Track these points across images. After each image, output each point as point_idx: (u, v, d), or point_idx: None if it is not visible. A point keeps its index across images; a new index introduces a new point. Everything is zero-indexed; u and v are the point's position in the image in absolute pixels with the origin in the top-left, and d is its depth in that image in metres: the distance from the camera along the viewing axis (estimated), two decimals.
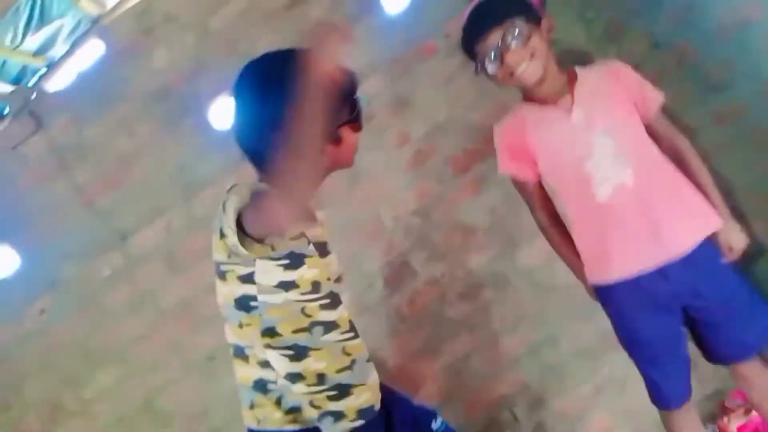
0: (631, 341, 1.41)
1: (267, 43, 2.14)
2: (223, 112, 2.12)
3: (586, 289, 1.45)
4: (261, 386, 1.11)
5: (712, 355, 1.42)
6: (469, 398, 2.11)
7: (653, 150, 1.37)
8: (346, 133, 1.14)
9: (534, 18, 1.33)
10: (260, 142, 1.07)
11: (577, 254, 1.42)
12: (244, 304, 1.09)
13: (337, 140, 1.12)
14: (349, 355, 1.13)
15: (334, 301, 1.14)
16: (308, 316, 1.09)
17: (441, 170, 2.18)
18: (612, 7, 1.94)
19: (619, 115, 1.36)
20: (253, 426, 1.14)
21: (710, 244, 1.35)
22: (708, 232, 1.34)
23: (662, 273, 1.31)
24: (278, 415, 1.11)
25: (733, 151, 1.79)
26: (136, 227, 2.14)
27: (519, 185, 1.47)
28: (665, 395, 1.40)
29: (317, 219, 1.24)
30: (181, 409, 2.12)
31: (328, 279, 1.14)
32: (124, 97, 2.15)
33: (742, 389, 1.52)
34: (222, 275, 1.12)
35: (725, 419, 1.69)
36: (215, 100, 2.12)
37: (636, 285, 1.33)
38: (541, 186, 1.46)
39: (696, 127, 1.87)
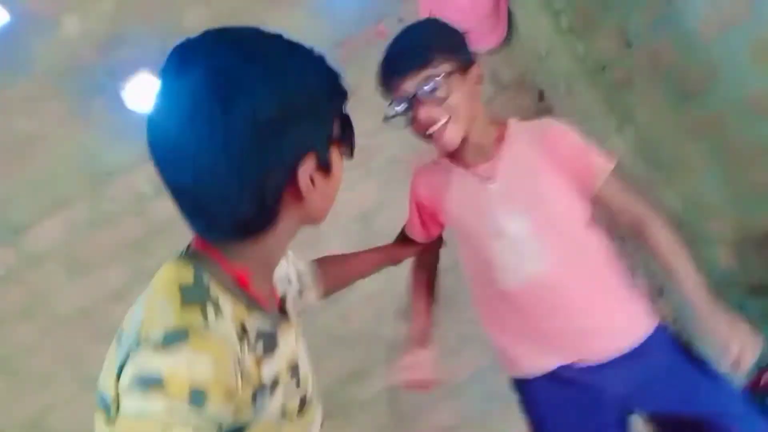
0: None
1: (196, 16, 1.90)
2: (140, 92, 1.88)
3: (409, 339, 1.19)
4: None
5: None
6: (404, 430, 1.90)
7: (583, 237, 1.12)
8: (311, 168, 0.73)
9: (463, 63, 1.08)
10: (187, 172, 0.68)
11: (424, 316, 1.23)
12: None
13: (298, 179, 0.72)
14: None
15: None
16: None
17: (387, 171, 1.96)
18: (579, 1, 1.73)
19: (546, 192, 1.10)
20: None
21: (654, 341, 1.10)
22: (634, 340, 1.10)
23: (596, 371, 1.08)
24: None
25: (707, 166, 1.60)
26: (33, 221, 1.87)
27: (407, 240, 1.28)
28: None
29: None
30: None
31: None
32: (27, 72, 1.88)
33: None
34: None
35: None
36: (132, 78, 1.87)
37: (555, 380, 1.10)
38: (437, 245, 1.28)
39: (668, 138, 1.69)
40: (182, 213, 0.72)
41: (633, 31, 1.59)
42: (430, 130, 1.07)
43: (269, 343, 0.74)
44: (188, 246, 0.77)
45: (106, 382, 0.65)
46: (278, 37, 0.73)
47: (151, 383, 0.59)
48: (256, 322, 0.73)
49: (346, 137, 0.78)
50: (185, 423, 0.59)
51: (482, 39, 1.93)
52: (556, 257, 1.08)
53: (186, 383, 0.59)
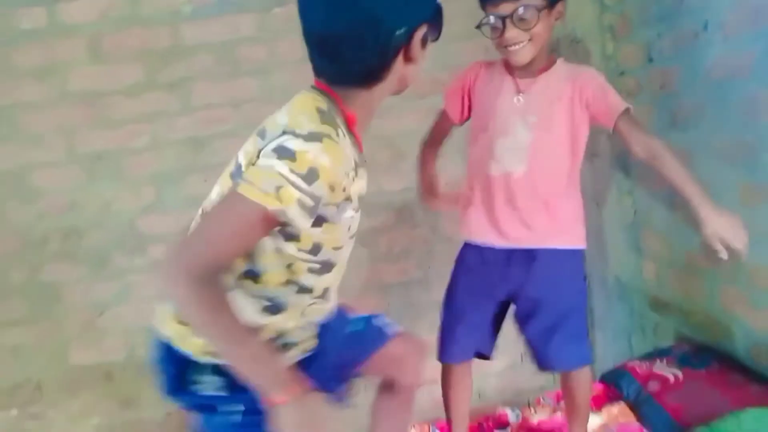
0: (449, 294, 1.52)
1: None
2: None
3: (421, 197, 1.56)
4: None
5: (533, 357, 1.53)
6: None
7: (560, 163, 1.43)
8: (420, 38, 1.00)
9: (549, 1, 1.33)
10: (337, 25, 0.94)
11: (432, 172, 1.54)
12: None
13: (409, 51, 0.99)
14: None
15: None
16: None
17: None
18: (633, 4, 1.86)
19: (554, 120, 1.40)
20: None
21: (572, 259, 1.45)
22: (562, 245, 1.44)
23: (506, 255, 1.43)
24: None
25: (665, 189, 1.82)
26: None
27: (440, 115, 1.55)
28: (448, 351, 1.52)
29: None
30: (50, 193, 2.05)
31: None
32: None
33: (562, 392, 1.62)
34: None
35: (532, 409, 1.81)
36: None
37: (480, 252, 1.46)
38: (445, 132, 1.55)
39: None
40: (320, 60, 0.98)
41: (657, 49, 1.75)
42: (512, 48, 1.34)
43: (358, 173, 0.99)
44: (312, 86, 1.01)
45: (241, 161, 0.94)
46: None
47: (285, 153, 0.85)
48: (356, 155, 0.98)
49: (439, 20, 1.03)
50: (294, 187, 0.84)
51: None
52: (534, 166, 1.40)
53: (308, 163, 0.85)
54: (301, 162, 0.84)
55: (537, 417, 1.76)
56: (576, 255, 1.46)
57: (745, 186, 1.49)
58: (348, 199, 0.96)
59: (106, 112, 2.03)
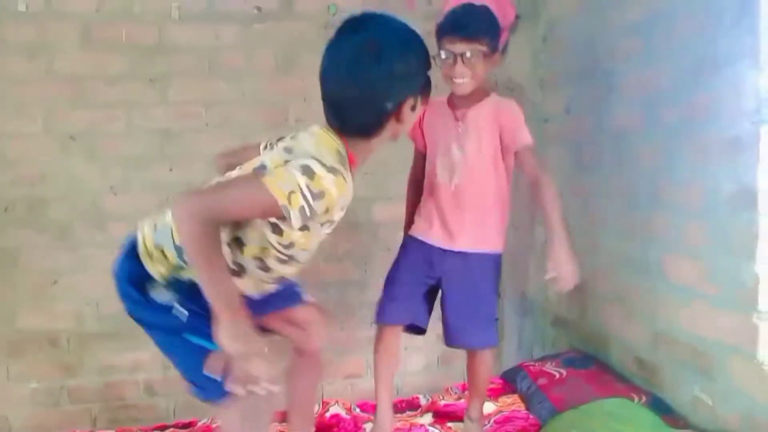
0: (391, 270, 1.78)
1: None
2: None
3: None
4: None
5: (447, 335, 1.78)
6: None
7: (487, 179, 1.72)
8: (410, 106, 1.23)
9: (493, 47, 1.63)
10: (343, 92, 1.19)
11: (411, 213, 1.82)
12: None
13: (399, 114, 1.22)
14: None
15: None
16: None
17: None
18: (560, 62, 2.22)
19: (483, 142, 1.70)
20: None
21: (492, 260, 1.74)
22: (483, 249, 1.72)
23: (442, 252, 1.72)
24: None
25: (577, 217, 2.17)
26: None
27: (415, 151, 1.85)
28: (386, 312, 1.75)
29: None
30: (23, 163, 2.19)
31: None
32: None
33: (467, 370, 1.85)
34: None
35: (440, 396, 2.08)
36: None
37: (421, 244, 1.75)
38: (420, 157, 1.82)
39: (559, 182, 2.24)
40: (332, 115, 1.22)
41: (575, 103, 2.11)
42: (456, 79, 1.63)
43: (344, 205, 1.24)
44: (327, 128, 1.25)
45: (267, 163, 1.20)
46: (405, 24, 1.24)
47: (308, 172, 1.09)
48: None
49: (427, 90, 1.29)
50: (303, 197, 1.08)
51: None
52: (467, 179, 1.69)
53: (322, 186, 1.09)
54: (317, 183, 1.08)
55: (444, 402, 2.02)
56: (495, 257, 1.75)
57: (626, 220, 1.85)
58: (330, 221, 1.20)
59: (86, 94, 2.19)
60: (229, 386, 1.11)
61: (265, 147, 1.37)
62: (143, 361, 2.30)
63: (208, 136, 2.28)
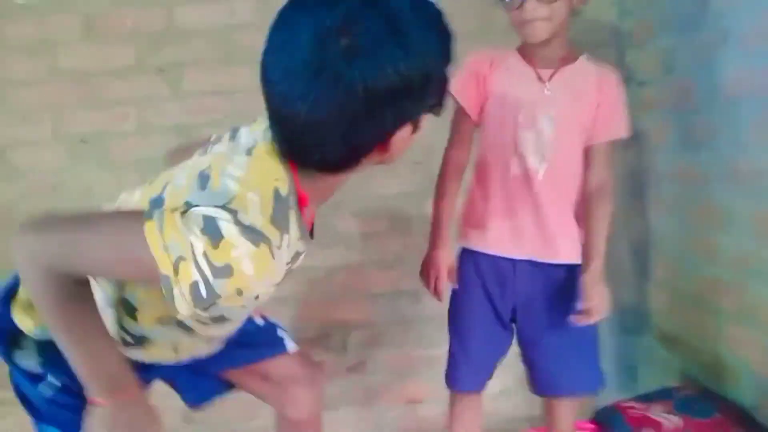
0: (455, 313, 1.40)
1: None
2: None
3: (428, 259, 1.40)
4: None
5: (529, 380, 1.41)
6: (312, 303, 2.04)
7: (577, 166, 1.33)
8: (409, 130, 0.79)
9: None
10: (299, 111, 0.72)
11: (448, 215, 1.38)
12: None
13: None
14: None
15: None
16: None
17: None
18: (652, 10, 1.71)
19: (576, 115, 1.30)
20: None
21: (576, 274, 1.31)
22: (575, 259, 1.32)
23: (515, 265, 1.31)
24: None
25: (675, 211, 1.66)
26: None
27: (457, 115, 1.38)
28: (460, 377, 1.39)
29: None
30: (33, 173, 2.00)
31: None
32: None
33: (546, 422, 1.48)
34: None
35: None
36: None
37: (490, 262, 1.33)
38: (471, 132, 1.39)
39: (652, 171, 1.73)
40: (277, 135, 0.77)
41: (678, 60, 1.60)
42: (530, 22, 1.24)
43: (294, 260, 0.85)
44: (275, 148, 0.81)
45: (168, 191, 0.77)
46: (426, 6, 0.74)
47: (212, 232, 0.69)
48: (300, 245, 0.83)
49: (440, 102, 0.80)
50: (198, 272, 0.69)
51: None
52: (553, 167, 1.29)
53: (228, 260, 0.69)
54: (222, 254, 0.69)
55: None
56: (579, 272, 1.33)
57: (759, 215, 1.33)
58: (257, 297, 0.80)
59: (94, 92, 1.96)
60: None
61: (210, 145, 0.93)
62: None
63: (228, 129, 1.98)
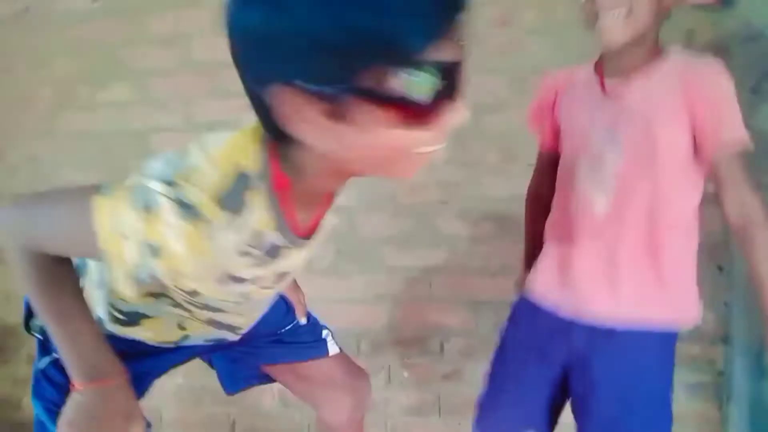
0: (498, 355, 1.22)
1: None
2: None
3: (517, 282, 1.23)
4: None
5: None
6: (410, 304, 1.99)
7: (661, 197, 1.02)
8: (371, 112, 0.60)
9: None
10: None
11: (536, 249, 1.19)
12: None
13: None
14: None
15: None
16: None
17: None
18: None
19: (651, 135, 1.01)
20: None
21: (657, 340, 1.06)
22: (654, 326, 1.04)
23: (569, 326, 1.08)
24: None
25: None
26: None
27: (540, 147, 1.22)
28: (489, 420, 1.20)
29: None
30: None
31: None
32: None
33: None
34: None
35: None
36: None
37: (543, 314, 1.12)
38: (554, 161, 1.18)
39: None
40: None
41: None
42: (602, 19, 0.99)
43: (272, 253, 0.77)
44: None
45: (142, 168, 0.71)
46: None
47: (149, 203, 0.65)
48: (276, 237, 0.74)
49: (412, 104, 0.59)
50: (131, 247, 0.67)
51: None
52: (621, 202, 1.03)
53: (156, 236, 0.65)
54: (152, 230, 0.64)
55: None
56: (669, 339, 1.08)
57: None
58: (237, 279, 0.76)
59: (222, 83, 2.06)
60: None
61: None
62: None
63: None
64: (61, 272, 0.76)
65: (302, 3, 0.56)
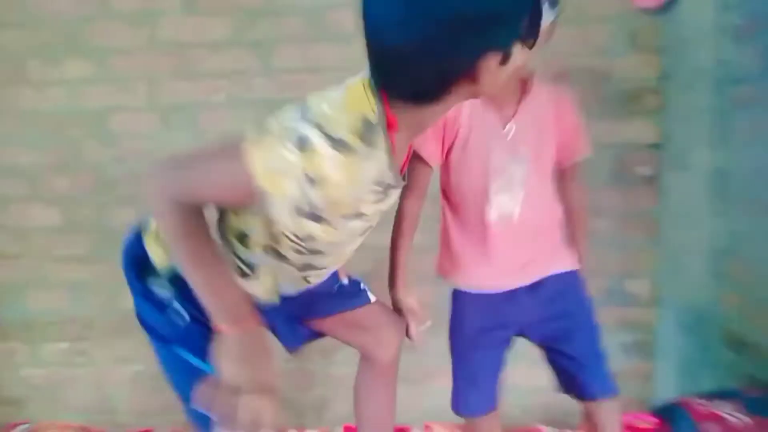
0: (457, 342, 1.39)
1: None
2: None
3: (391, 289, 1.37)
4: None
5: (564, 387, 1.40)
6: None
7: (549, 192, 1.34)
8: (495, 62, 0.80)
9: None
10: (386, 38, 0.78)
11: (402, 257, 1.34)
12: None
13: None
14: None
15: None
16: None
17: None
18: (756, 5, 1.69)
19: (543, 145, 1.28)
20: None
21: (575, 281, 1.35)
22: (566, 269, 1.34)
23: (512, 294, 1.31)
24: None
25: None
26: None
27: (417, 162, 1.30)
28: (470, 405, 1.39)
29: None
30: (127, 138, 2.09)
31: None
32: None
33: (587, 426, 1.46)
34: None
35: None
36: None
37: (483, 300, 1.32)
38: (428, 176, 1.34)
39: (738, 178, 1.72)
40: (371, 66, 0.83)
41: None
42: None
43: (385, 190, 0.90)
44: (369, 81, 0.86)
45: (272, 122, 0.83)
46: None
47: (304, 144, 0.76)
48: (390, 177, 0.88)
49: (531, 35, 0.83)
50: (296, 182, 0.77)
51: None
52: (527, 204, 1.28)
53: (319, 168, 0.77)
54: (313, 163, 0.76)
55: None
56: (577, 276, 1.35)
57: None
58: (359, 215, 0.89)
59: (189, 64, 2.04)
60: (218, 427, 0.85)
61: None
62: None
63: None
64: (203, 225, 0.84)
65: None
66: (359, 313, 1.25)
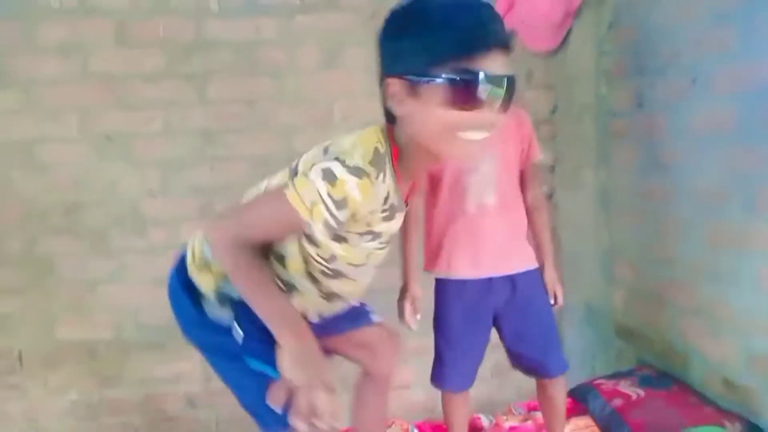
0: (442, 325, 1.62)
1: None
2: None
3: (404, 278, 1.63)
4: None
5: (524, 368, 1.66)
6: None
7: (517, 189, 1.63)
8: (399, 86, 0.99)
9: None
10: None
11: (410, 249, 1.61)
12: None
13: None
14: None
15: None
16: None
17: None
18: (628, 52, 2.04)
19: (508, 150, 1.59)
20: None
21: (538, 277, 1.64)
22: (533, 266, 1.63)
23: (489, 282, 1.57)
24: None
25: (641, 222, 1.98)
26: None
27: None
28: (451, 379, 1.62)
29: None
30: (58, 168, 2.10)
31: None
32: None
33: (538, 399, 1.73)
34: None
35: (504, 417, 1.93)
36: None
37: (465, 286, 1.57)
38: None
39: (622, 190, 2.06)
40: None
41: (647, 97, 1.93)
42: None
43: (394, 216, 1.11)
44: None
45: (300, 167, 1.07)
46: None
47: (329, 177, 0.96)
48: (395, 199, 1.08)
49: (461, 90, 0.92)
50: (326, 207, 0.96)
51: (541, 41, 2.21)
52: (501, 195, 1.57)
53: (343, 191, 0.96)
54: (339, 189, 0.96)
55: (508, 423, 1.87)
56: (538, 272, 1.65)
57: (710, 226, 1.67)
58: (370, 232, 1.08)
59: (122, 94, 2.09)
60: (292, 420, 0.99)
61: None
62: (185, 372, 2.21)
63: (249, 136, 2.16)
64: (259, 258, 1.04)
65: (408, 33, 0.96)
66: (363, 332, 1.41)
